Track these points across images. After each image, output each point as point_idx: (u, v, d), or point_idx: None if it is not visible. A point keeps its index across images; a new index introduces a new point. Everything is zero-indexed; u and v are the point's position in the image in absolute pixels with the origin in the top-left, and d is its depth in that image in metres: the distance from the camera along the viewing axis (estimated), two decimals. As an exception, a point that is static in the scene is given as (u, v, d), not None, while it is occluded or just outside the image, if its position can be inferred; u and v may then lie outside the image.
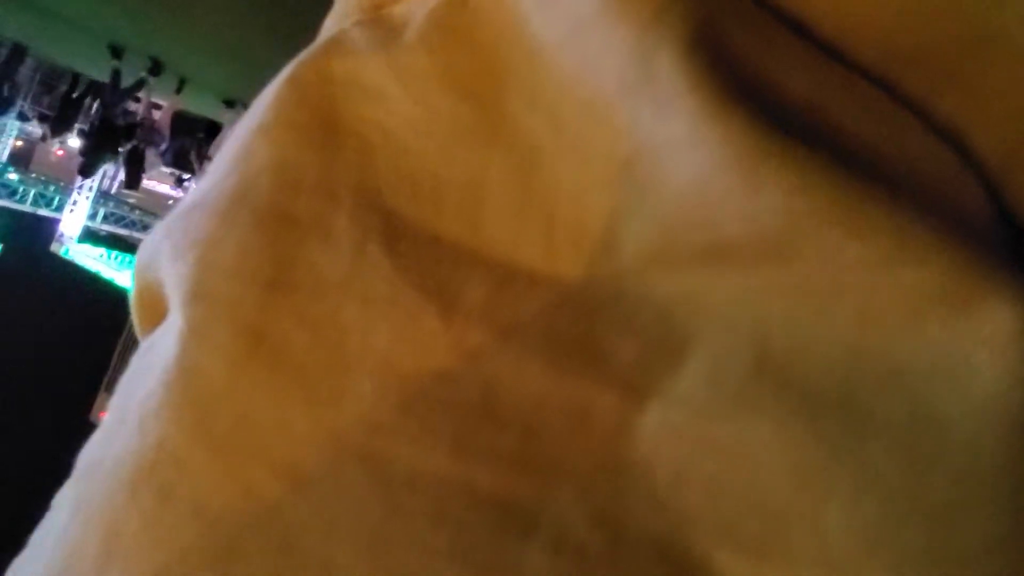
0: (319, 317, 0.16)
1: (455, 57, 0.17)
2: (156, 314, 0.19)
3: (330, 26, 0.20)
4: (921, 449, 0.13)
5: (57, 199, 8.99)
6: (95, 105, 4.67)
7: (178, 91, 4.52)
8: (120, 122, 4.48)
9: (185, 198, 0.19)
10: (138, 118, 4.62)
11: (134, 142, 4.60)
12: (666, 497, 0.14)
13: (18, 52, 4.47)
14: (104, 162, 4.68)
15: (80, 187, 8.70)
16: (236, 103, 4.54)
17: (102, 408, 4.76)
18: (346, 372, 0.15)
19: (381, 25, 0.19)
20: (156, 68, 4.09)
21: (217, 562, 0.14)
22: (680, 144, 0.15)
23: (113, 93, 4.24)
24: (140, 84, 4.20)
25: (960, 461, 0.13)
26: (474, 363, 0.15)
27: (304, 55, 0.19)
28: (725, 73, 0.15)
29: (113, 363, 4.80)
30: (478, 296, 0.15)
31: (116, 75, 4.15)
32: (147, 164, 4.73)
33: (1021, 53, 0.15)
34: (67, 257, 8.91)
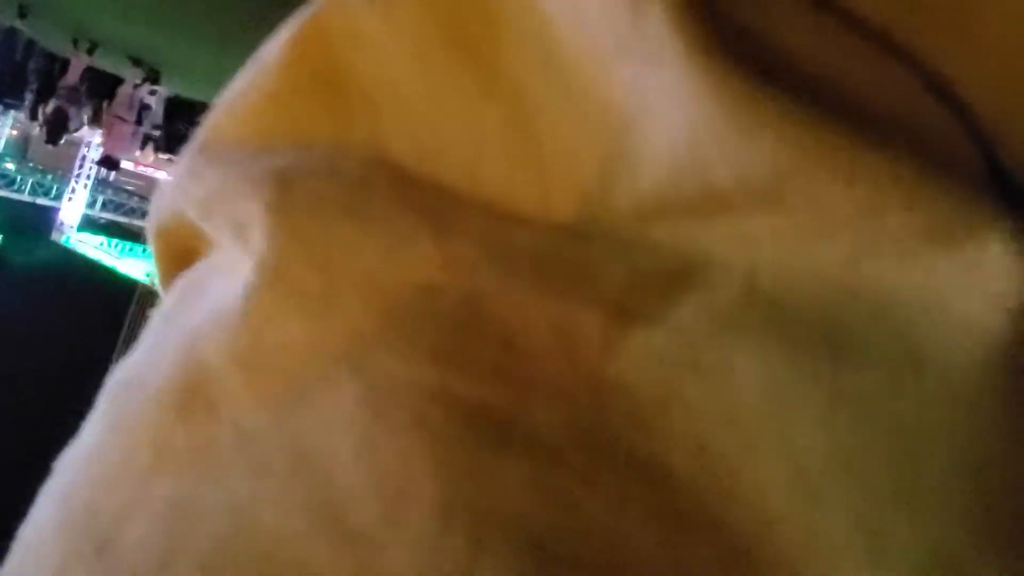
0: (313, 233, 0.16)
1: (447, 7, 0.17)
2: (184, 256, 0.20)
3: None
4: (897, 373, 0.13)
5: (55, 188, 8.98)
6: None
7: (90, 52, 4.58)
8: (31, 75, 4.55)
9: (187, 151, 0.20)
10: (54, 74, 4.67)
11: (56, 101, 4.64)
12: (649, 418, 0.14)
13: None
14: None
15: (78, 176, 8.69)
16: (142, 62, 4.63)
17: (107, 396, 4.78)
18: (336, 286, 0.16)
19: None
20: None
21: (249, 475, 0.15)
22: (671, 95, 0.15)
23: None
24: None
25: (935, 386, 0.13)
26: (459, 276, 0.15)
27: (303, 14, 0.19)
28: (713, 24, 0.15)
29: (117, 350, 4.82)
30: (472, 226, 0.16)
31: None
32: (71, 125, 4.77)
33: (1013, 9, 0.15)
34: (68, 246, 8.92)
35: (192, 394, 0.16)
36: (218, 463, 0.15)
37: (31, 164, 9.42)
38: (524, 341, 0.15)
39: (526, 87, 0.16)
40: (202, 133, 0.20)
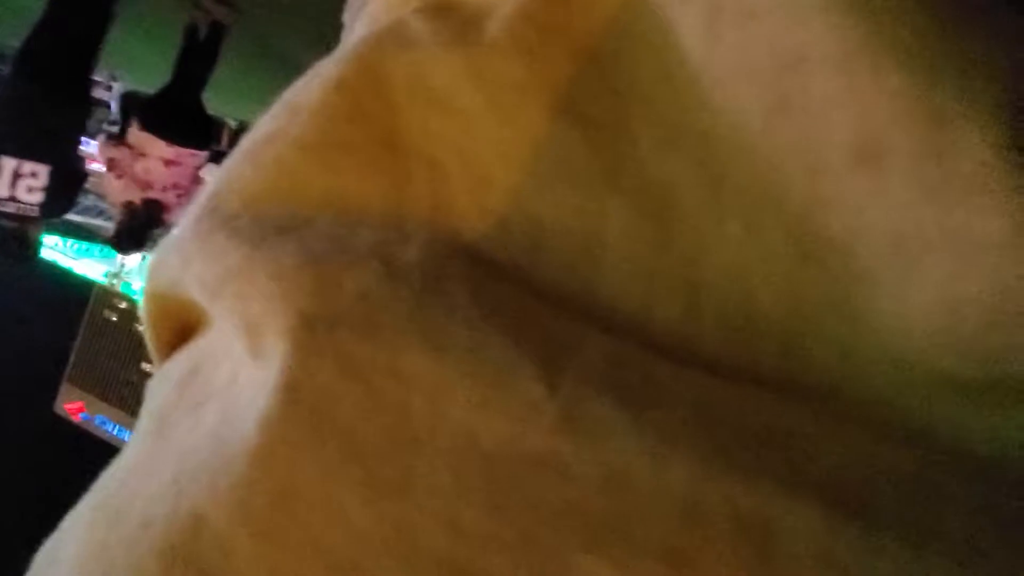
0: (370, 362, 0.12)
1: (560, 67, 0.14)
2: (182, 328, 0.16)
3: (377, 10, 0.17)
4: None
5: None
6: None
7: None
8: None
9: (196, 209, 0.16)
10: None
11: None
12: None
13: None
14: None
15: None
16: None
17: (66, 399, 4.68)
18: (414, 448, 0.12)
19: (452, 15, 0.16)
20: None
21: None
22: (977, 243, 0.12)
23: None
24: None
25: None
26: (593, 448, 0.11)
27: (351, 50, 0.16)
28: None
29: (75, 352, 4.71)
30: (594, 357, 0.12)
31: None
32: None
33: None
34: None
35: (180, 559, 0.12)
36: None
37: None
38: (693, 545, 0.11)
39: (667, 181, 0.14)
40: (214, 188, 0.16)
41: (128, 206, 3.27)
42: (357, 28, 0.17)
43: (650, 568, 0.11)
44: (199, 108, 3.35)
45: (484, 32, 0.15)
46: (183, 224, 0.16)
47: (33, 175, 2.90)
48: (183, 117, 3.27)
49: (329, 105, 0.15)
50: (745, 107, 0.13)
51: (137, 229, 3.32)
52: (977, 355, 0.12)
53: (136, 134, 3.17)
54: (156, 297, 0.17)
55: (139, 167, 3.16)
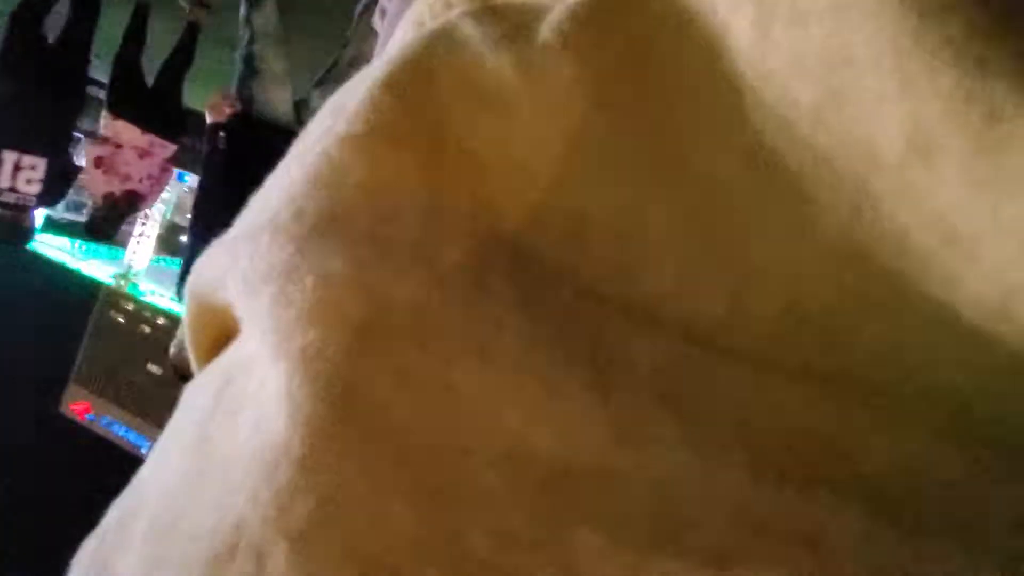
0: (422, 373, 0.12)
1: (612, 66, 0.15)
2: (220, 335, 0.16)
3: (421, 15, 0.17)
4: None
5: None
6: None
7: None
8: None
9: (246, 214, 0.17)
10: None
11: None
12: None
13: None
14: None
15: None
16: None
17: (72, 400, 4.69)
18: (465, 457, 0.12)
19: (502, 17, 0.16)
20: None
21: None
22: None
23: None
24: None
25: None
26: (647, 458, 0.11)
27: (399, 52, 0.16)
28: None
29: (81, 353, 4.73)
30: (644, 363, 0.12)
31: None
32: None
33: None
34: (29, 248, 8.70)
35: (219, 571, 0.12)
36: None
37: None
38: (745, 551, 0.11)
39: (717, 178, 0.14)
40: (264, 190, 0.16)
41: (109, 197, 3.40)
42: (398, 34, 0.17)
43: (699, 573, 0.11)
44: (174, 103, 3.46)
45: (534, 34, 0.15)
46: (236, 226, 0.16)
47: (32, 167, 3.04)
48: (156, 107, 3.39)
49: (376, 100, 0.15)
50: (796, 104, 0.13)
51: (114, 218, 3.47)
52: None
53: (111, 124, 3.26)
54: (196, 296, 0.17)
55: (119, 160, 3.27)
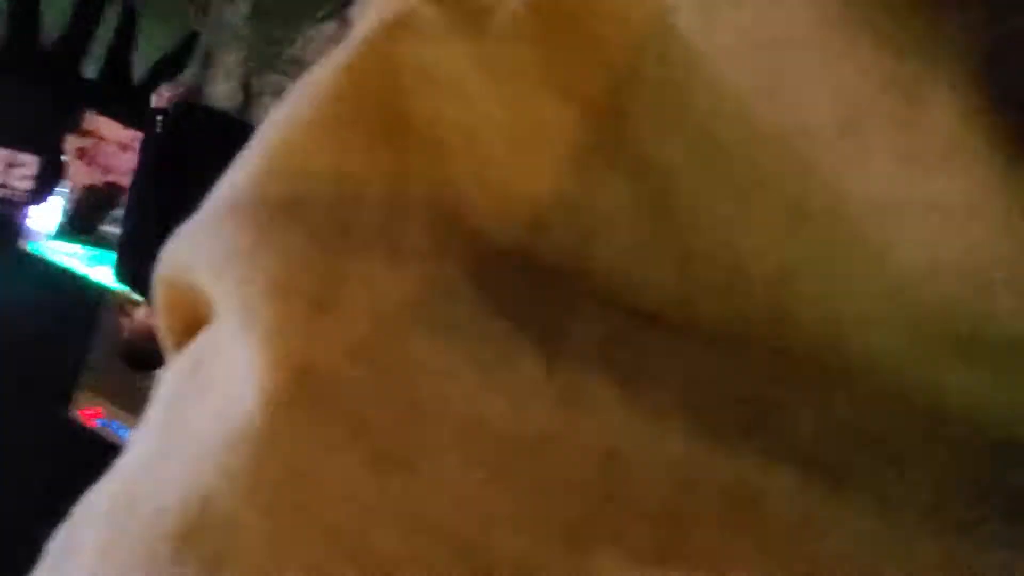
0: (377, 345, 0.13)
1: (563, 52, 0.15)
2: (192, 320, 0.16)
3: (383, 2, 0.17)
4: None
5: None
6: None
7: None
8: None
9: (212, 199, 0.17)
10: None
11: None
12: None
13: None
14: None
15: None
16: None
17: (82, 405, 4.72)
18: (421, 427, 0.12)
19: (462, 5, 0.16)
20: None
21: None
22: (952, 208, 0.13)
23: None
24: None
25: None
26: (590, 425, 0.12)
27: (361, 37, 0.16)
28: None
29: (90, 358, 4.75)
30: (589, 335, 0.13)
31: None
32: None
33: None
34: (37, 253, 8.74)
35: (194, 537, 0.12)
36: None
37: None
38: (690, 515, 0.12)
39: (663, 162, 0.14)
40: (228, 176, 0.16)
41: (90, 188, 3.43)
42: (362, 19, 0.17)
43: (647, 533, 0.11)
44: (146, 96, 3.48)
45: (492, 20, 0.15)
46: (201, 211, 0.16)
47: (25, 164, 3.10)
48: (141, 104, 3.40)
49: (337, 86, 0.15)
50: (742, 88, 0.14)
51: (94, 211, 3.48)
52: (955, 318, 0.13)
53: (94, 118, 3.28)
54: (166, 282, 0.17)
55: (102, 152, 3.31)
